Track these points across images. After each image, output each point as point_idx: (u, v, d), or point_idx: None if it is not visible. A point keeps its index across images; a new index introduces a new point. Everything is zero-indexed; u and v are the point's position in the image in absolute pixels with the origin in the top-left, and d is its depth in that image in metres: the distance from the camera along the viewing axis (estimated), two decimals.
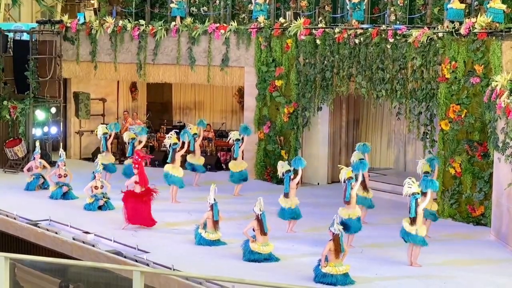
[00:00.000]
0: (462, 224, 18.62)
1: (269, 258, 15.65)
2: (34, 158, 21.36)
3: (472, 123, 18.58)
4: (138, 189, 17.79)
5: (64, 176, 20.46)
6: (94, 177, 19.54)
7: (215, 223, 16.45)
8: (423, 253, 15.62)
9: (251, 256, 15.57)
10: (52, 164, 22.43)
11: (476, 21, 18.42)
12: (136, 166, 17.86)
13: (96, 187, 19.30)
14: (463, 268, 15.57)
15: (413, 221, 15.26)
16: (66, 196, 20.33)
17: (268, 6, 22.96)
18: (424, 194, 15.55)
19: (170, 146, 20.29)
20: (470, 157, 18.63)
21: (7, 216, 18.60)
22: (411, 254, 15.51)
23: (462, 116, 18.65)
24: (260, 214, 15.51)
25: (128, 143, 21.43)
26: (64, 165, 20.45)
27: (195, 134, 21.80)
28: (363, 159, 17.80)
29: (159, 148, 25.51)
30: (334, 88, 21.33)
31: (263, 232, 15.54)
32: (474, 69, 18.45)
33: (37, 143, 21.82)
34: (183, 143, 20.84)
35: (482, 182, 18.40)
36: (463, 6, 19.31)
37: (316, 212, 18.64)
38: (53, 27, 25.29)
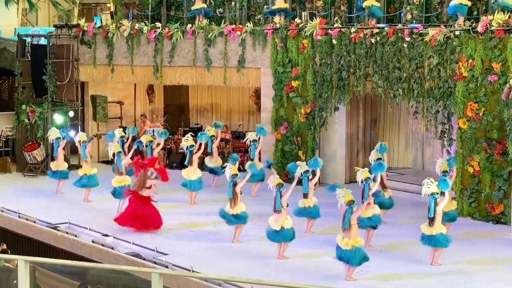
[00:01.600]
0: (481, 222, 18.54)
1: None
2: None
3: (490, 121, 18.49)
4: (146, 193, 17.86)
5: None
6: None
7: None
8: (443, 252, 15.54)
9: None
10: (71, 167, 22.54)
11: (493, 19, 18.34)
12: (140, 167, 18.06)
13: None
14: (483, 267, 15.50)
15: (431, 221, 15.21)
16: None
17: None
18: (443, 193, 15.50)
19: (187, 148, 20.36)
20: (489, 155, 18.55)
21: (27, 219, 18.70)
22: (433, 253, 15.46)
23: (480, 114, 18.57)
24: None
25: (146, 146, 21.48)
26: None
27: (213, 136, 21.87)
28: (380, 159, 17.77)
29: (177, 150, 25.54)
30: (351, 88, 21.29)
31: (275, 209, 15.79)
32: (492, 67, 18.36)
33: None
34: (200, 144, 20.89)
35: (501, 180, 18.31)
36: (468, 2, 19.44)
37: (334, 213, 18.58)
38: (70, 31, 25.40)
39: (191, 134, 20.95)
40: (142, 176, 17.86)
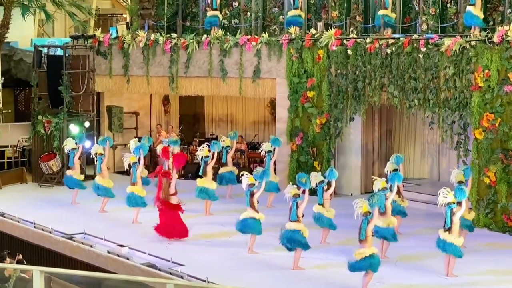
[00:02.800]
0: (497, 234, 18.44)
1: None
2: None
3: (506, 131, 18.41)
4: (175, 200, 18.02)
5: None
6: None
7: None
8: (459, 263, 15.47)
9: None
10: (86, 178, 22.61)
11: (509, 29, 18.29)
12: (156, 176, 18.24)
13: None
14: (500, 278, 15.40)
15: (449, 231, 15.15)
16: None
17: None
18: (459, 203, 15.43)
19: (201, 159, 20.38)
20: (505, 166, 18.46)
21: (42, 230, 18.76)
22: (448, 264, 15.38)
23: (496, 124, 18.50)
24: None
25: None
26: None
27: (228, 146, 21.90)
28: (397, 169, 17.72)
29: (192, 161, 25.54)
30: (366, 99, 21.26)
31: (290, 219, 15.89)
32: (508, 77, 18.29)
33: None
34: (213, 154, 20.89)
35: None
36: (481, 13, 19.42)
37: (350, 223, 18.52)
38: (86, 41, 25.50)
39: (207, 144, 20.96)
40: (165, 184, 17.98)
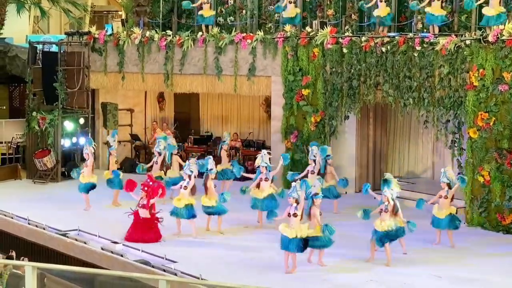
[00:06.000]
0: (491, 232, 18.46)
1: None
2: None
3: (501, 130, 18.43)
4: (143, 213, 17.72)
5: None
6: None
7: None
8: (453, 261, 15.49)
9: None
10: None
11: (504, 28, 18.31)
12: (145, 188, 17.77)
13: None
14: (497, 277, 15.44)
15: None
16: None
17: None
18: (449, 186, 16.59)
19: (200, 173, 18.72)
20: (499, 165, 18.48)
21: (36, 226, 18.73)
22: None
23: (491, 124, 18.52)
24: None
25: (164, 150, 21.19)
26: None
27: (224, 141, 22.01)
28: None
29: (187, 158, 25.52)
30: (361, 97, 21.27)
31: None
32: (503, 76, 18.31)
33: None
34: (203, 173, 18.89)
35: None
36: (443, 11, 20.13)
37: (344, 223, 18.56)
38: (81, 38, 25.48)
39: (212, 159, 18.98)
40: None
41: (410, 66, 19.98)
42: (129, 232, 17.81)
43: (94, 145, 21.38)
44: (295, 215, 15.45)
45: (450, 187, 17.07)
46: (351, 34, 21.62)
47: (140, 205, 17.79)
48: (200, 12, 24.35)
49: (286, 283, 14.93)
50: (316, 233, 15.45)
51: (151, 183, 17.90)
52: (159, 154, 21.14)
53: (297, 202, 15.51)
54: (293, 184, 15.85)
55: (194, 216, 17.91)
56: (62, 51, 24.87)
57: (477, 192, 18.82)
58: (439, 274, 15.37)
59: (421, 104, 19.88)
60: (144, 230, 17.68)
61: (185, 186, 17.87)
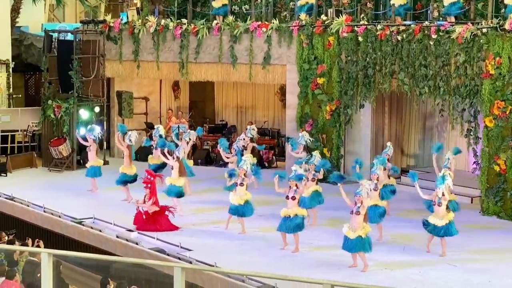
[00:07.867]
0: (507, 221, 18.40)
1: None
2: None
3: None
4: (152, 208, 17.76)
5: None
6: None
7: None
8: (468, 250, 15.45)
9: None
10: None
11: None
12: (148, 185, 17.78)
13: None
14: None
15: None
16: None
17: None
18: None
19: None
20: None
21: (52, 214, 18.82)
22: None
23: (507, 112, 18.42)
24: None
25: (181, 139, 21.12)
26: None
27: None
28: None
29: (202, 147, 25.58)
30: (377, 85, 21.20)
31: None
32: None
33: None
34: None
35: None
36: None
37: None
38: (97, 27, 25.49)
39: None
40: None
41: (426, 55, 19.88)
42: (141, 223, 17.82)
43: (102, 134, 21.64)
44: (293, 198, 15.97)
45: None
46: (366, 23, 21.54)
47: (145, 203, 17.78)
48: (213, 3, 24.33)
49: (299, 271, 14.91)
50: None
51: (151, 178, 17.91)
52: (187, 143, 20.93)
53: (297, 186, 16.00)
54: (293, 167, 16.47)
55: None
56: (77, 40, 24.91)
57: (493, 181, 18.75)
58: (454, 263, 15.37)
59: (437, 92, 19.80)
60: (155, 221, 17.71)
61: (241, 183, 17.38)
